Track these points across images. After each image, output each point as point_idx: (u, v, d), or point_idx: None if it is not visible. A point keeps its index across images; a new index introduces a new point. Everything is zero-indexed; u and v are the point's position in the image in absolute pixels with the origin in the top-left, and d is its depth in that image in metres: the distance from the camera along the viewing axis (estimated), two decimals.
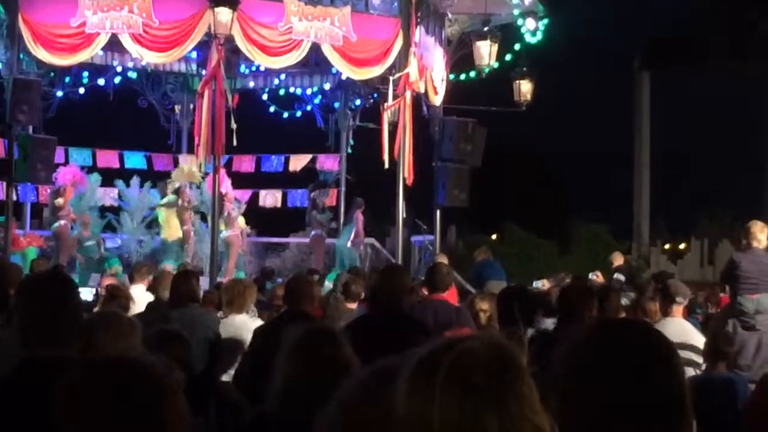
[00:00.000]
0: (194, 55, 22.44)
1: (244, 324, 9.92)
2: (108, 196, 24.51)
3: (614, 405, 2.44)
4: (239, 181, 25.00)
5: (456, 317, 9.33)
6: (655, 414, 2.45)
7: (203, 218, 23.29)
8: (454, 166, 22.28)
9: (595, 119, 49.95)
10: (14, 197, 20.47)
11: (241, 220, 23.34)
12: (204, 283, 15.53)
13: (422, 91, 21.73)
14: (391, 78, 21.16)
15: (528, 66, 21.66)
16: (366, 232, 25.03)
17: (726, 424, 7.64)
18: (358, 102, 26.04)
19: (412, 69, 20.91)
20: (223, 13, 18.29)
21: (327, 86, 25.32)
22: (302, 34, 19.86)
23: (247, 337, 9.20)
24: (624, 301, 12.20)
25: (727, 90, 44.24)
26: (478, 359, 1.69)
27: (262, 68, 23.14)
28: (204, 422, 8.82)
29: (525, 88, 21.45)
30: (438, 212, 23.03)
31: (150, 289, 13.22)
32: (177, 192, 22.58)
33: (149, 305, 11.41)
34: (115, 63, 23.18)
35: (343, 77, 22.74)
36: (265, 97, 26.12)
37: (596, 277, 19.52)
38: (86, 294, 14.17)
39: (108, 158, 25.79)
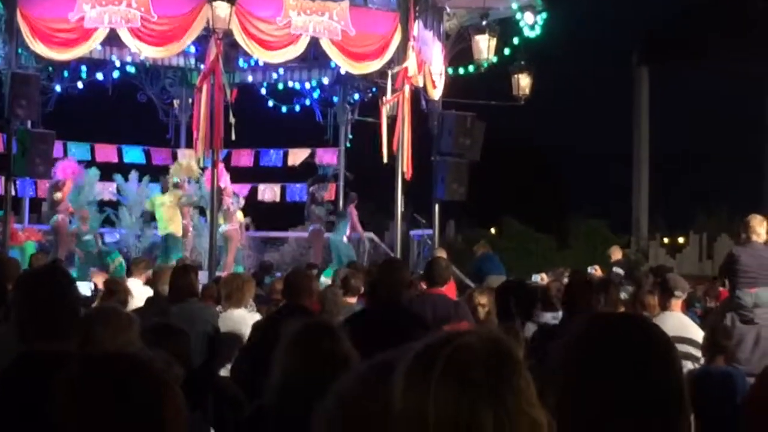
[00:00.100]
0: (193, 49, 22.41)
1: (243, 318, 9.92)
2: (106, 191, 24.50)
3: (612, 399, 2.44)
4: (238, 175, 24.99)
5: (455, 311, 9.34)
6: (654, 408, 2.45)
7: (202, 213, 23.27)
8: (452, 161, 22.27)
9: (593, 114, 49.97)
10: (13, 192, 20.47)
11: (240, 215, 23.32)
12: (203, 277, 15.53)
13: (421, 85, 21.71)
14: (389, 72, 21.16)
15: (526, 60, 21.66)
16: (363, 226, 25.02)
17: (724, 417, 7.63)
18: (356, 96, 26.06)
19: (411, 63, 20.90)
20: (222, 8, 18.28)
21: (325, 80, 25.33)
22: (301, 28, 19.85)
23: (246, 331, 9.19)
24: (623, 295, 12.20)
25: (726, 85, 44.22)
26: (474, 353, 1.69)
27: (260, 63, 23.12)
28: (202, 417, 8.84)
29: (524, 82, 21.45)
30: (437, 206, 23.02)
31: (149, 283, 13.23)
32: (177, 186, 22.53)
33: (148, 300, 11.42)
34: (113, 57, 23.17)
35: (342, 71, 22.71)
36: (263, 91, 26.14)
37: (595, 271, 19.52)
38: (84, 289, 14.16)
39: (106, 153, 25.78)
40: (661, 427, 2.46)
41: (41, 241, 22.05)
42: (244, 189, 25.42)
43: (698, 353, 8.84)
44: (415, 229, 24.67)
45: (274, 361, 4.60)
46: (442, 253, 16.59)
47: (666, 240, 42.68)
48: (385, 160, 21.03)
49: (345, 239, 23.31)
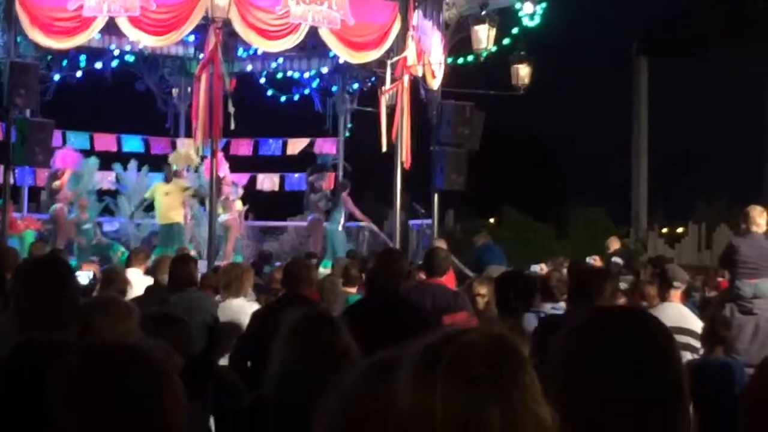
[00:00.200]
0: (192, 38, 22.41)
1: (242, 308, 9.92)
2: (106, 180, 24.49)
3: (612, 393, 2.44)
4: (237, 164, 24.97)
5: (454, 301, 9.34)
6: (653, 401, 2.46)
7: (201, 202, 23.26)
8: (451, 150, 22.25)
9: (593, 104, 49.89)
10: (11, 180, 20.46)
11: (239, 204, 23.31)
12: (202, 266, 15.52)
13: (420, 74, 21.71)
14: (388, 62, 21.17)
15: (526, 50, 21.62)
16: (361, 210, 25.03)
17: (723, 408, 7.63)
18: (355, 86, 26.02)
19: (410, 53, 20.90)
20: None
21: (325, 70, 25.29)
22: (300, 17, 19.84)
23: (245, 320, 9.19)
24: (622, 285, 12.20)
25: (726, 85, 44.19)
26: (479, 351, 1.69)
27: (259, 52, 23.10)
28: (202, 405, 8.84)
29: (523, 72, 21.40)
30: (436, 196, 23.01)
31: (148, 273, 13.23)
32: (176, 175, 22.47)
33: (148, 288, 11.42)
34: (112, 46, 23.13)
35: (341, 61, 22.70)
36: (262, 80, 26.11)
37: (594, 261, 19.51)
38: (83, 278, 14.17)
39: (105, 142, 25.76)
40: (660, 419, 2.46)
41: (40, 230, 22.04)
42: (243, 178, 25.41)
43: (697, 344, 8.84)
44: (414, 218, 24.65)
45: (274, 351, 4.61)
46: (441, 244, 16.59)
47: (665, 230, 42.69)
48: (384, 149, 21.04)
49: (340, 228, 23.27)
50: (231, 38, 20.85)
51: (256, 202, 25.63)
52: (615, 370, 2.46)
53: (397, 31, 20.79)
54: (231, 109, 19.72)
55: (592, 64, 48.31)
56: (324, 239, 23.59)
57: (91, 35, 20.17)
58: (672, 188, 45.40)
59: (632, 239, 36.29)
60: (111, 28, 20.21)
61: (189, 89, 23.64)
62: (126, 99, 26.88)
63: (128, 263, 14.09)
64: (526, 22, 21.52)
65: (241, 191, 23.62)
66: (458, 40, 22.25)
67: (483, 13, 21.15)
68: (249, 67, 25.12)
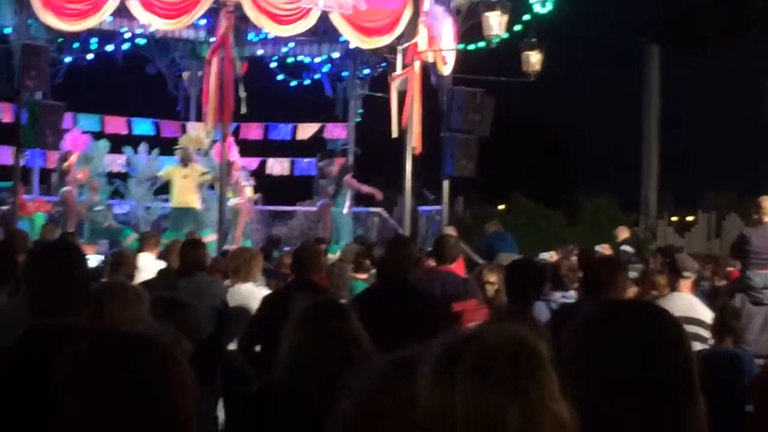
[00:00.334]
0: (203, 22, 22.40)
1: (251, 293, 9.92)
2: (116, 163, 24.49)
3: (623, 385, 2.44)
4: (247, 148, 24.96)
5: (464, 289, 9.34)
6: (663, 393, 2.45)
7: (211, 186, 23.25)
8: (462, 137, 22.24)
9: (604, 91, 49.78)
10: (22, 163, 20.49)
11: (250, 189, 23.29)
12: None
13: (431, 60, 21.68)
14: (399, 47, 21.12)
15: (537, 37, 21.56)
16: (371, 201, 24.95)
17: (732, 398, 7.65)
18: (366, 71, 25.98)
19: (421, 38, 20.86)
20: None
21: (335, 55, 25.24)
22: (311, 2, 19.81)
23: (254, 305, 9.19)
24: (632, 274, 12.18)
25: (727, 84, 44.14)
26: (498, 350, 1.69)
27: (270, 36, 23.08)
28: (211, 390, 8.86)
29: (534, 58, 21.33)
30: (446, 182, 23.01)
31: (161, 257, 13.22)
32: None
33: (160, 272, 11.43)
34: (123, 29, 23.08)
35: (352, 46, 22.67)
36: (273, 65, 26.08)
37: (603, 249, 19.49)
38: (93, 261, 14.18)
39: (116, 124, 25.77)
40: (671, 411, 2.46)
41: (50, 212, 22.04)
42: (253, 162, 25.41)
43: (707, 334, 8.83)
44: (423, 204, 24.64)
45: (283, 338, 4.61)
46: (450, 231, 16.58)
47: (674, 218, 42.67)
48: (394, 135, 21.03)
49: (345, 211, 23.23)
50: (242, 22, 20.81)
51: (265, 186, 25.62)
52: (625, 363, 2.46)
53: (409, 16, 20.75)
54: (242, 94, 19.72)
55: (604, 50, 48.19)
56: (333, 224, 23.58)
57: (102, 18, 20.17)
58: (682, 176, 45.32)
59: (642, 227, 36.26)
60: (122, 11, 20.21)
61: (200, 73, 23.61)
62: (137, 82, 26.86)
63: (140, 247, 14.07)
64: (538, 8, 21.47)
65: (252, 180, 23.57)
66: (469, 26, 22.20)
67: None
68: (260, 52, 25.08)
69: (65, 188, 21.71)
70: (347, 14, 20.24)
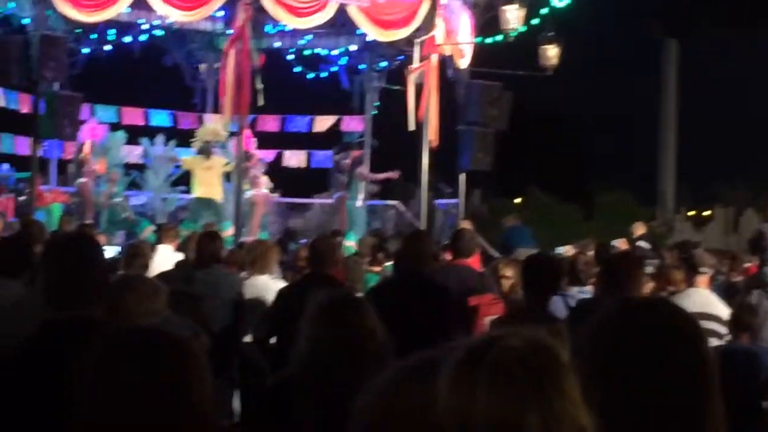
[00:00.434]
0: (221, 14, 22.40)
1: (267, 285, 9.94)
2: (133, 154, 24.53)
3: (639, 386, 2.44)
4: (263, 140, 24.98)
5: (480, 283, 9.34)
6: (680, 395, 2.45)
7: (227, 178, 23.27)
8: (479, 130, 22.25)
9: (621, 84, 49.71)
10: (40, 153, 20.55)
11: (266, 181, 23.29)
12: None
13: (448, 54, 21.66)
14: (417, 40, 21.11)
15: (555, 30, 21.51)
16: (388, 194, 24.92)
17: (748, 395, 7.63)
18: (383, 64, 25.95)
19: (439, 32, 20.85)
20: None
21: (353, 47, 25.23)
22: None
23: (270, 298, 9.20)
24: (648, 269, 12.15)
25: (753, 60, 43.95)
26: (520, 355, 1.69)
27: (288, 28, 23.07)
28: (228, 383, 8.88)
29: (551, 52, 21.28)
30: (462, 176, 23.01)
31: (179, 249, 13.22)
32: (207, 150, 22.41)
33: (177, 264, 11.45)
34: (141, 21, 23.15)
35: (369, 39, 22.66)
36: (290, 57, 26.07)
37: (619, 244, 19.43)
38: (110, 252, 14.22)
39: (133, 116, 25.82)
40: (688, 412, 2.45)
41: (67, 203, 22.09)
42: (269, 154, 25.43)
43: (723, 330, 8.81)
44: (440, 198, 24.63)
45: (300, 332, 4.61)
46: (466, 225, 16.57)
47: (691, 213, 42.58)
48: (411, 128, 21.02)
49: (358, 203, 23.20)
50: (260, 14, 20.81)
51: (282, 178, 25.64)
52: (641, 364, 2.46)
53: (426, 9, 20.73)
54: (259, 86, 19.73)
55: (621, 43, 48.10)
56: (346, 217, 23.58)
57: (120, 9, 20.20)
58: (699, 171, 45.22)
59: (659, 222, 36.19)
60: (140, 3, 20.23)
61: (217, 65, 23.62)
62: (154, 73, 26.88)
63: (158, 239, 14.07)
64: (556, 2, 21.43)
65: (266, 181, 23.55)
66: (487, 19, 22.17)
67: None
68: (277, 44, 25.08)
69: (81, 179, 21.75)
70: (365, 7, 20.24)
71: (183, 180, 23.88)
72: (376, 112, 26.39)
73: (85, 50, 23.80)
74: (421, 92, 20.91)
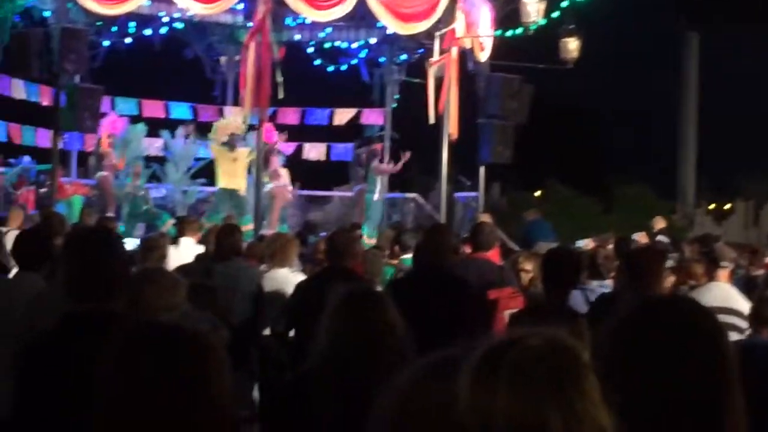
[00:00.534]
0: (241, 6, 22.42)
1: (287, 278, 9.93)
2: (153, 146, 24.58)
3: (658, 381, 2.44)
4: (283, 133, 25.02)
5: (499, 276, 9.33)
6: (701, 392, 2.45)
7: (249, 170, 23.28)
8: (498, 123, 22.22)
9: (641, 76, 49.57)
10: (60, 145, 20.60)
11: (285, 173, 23.31)
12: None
13: (468, 47, 21.63)
14: (437, 33, 21.08)
15: (575, 23, 21.44)
16: (408, 187, 24.86)
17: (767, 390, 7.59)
18: (403, 57, 25.92)
19: (459, 25, 20.82)
20: None
21: (373, 40, 25.22)
22: None
23: (290, 291, 9.19)
24: (669, 263, 12.11)
25: None
26: (541, 355, 1.68)
27: (308, 21, 23.07)
28: (248, 376, 8.90)
29: (572, 45, 21.22)
30: (482, 169, 22.99)
31: (201, 242, 13.21)
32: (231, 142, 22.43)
33: (198, 257, 11.46)
34: (161, 13, 23.19)
35: (389, 32, 22.64)
36: (310, 50, 26.07)
37: (640, 237, 19.38)
38: (131, 245, 14.23)
39: (154, 108, 25.88)
40: (708, 407, 2.45)
41: (88, 196, 22.16)
42: (289, 147, 25.45)
43: (744, 324, 8.77)
44: (459, 191, 24.62)
45: (320, 327, 4.61)
46: (486, 218, 16.55)
47: (712, 206, 42.44)
48: (431, 121, 21.00)
49: (375, 197, 23.17)
50: (280, 7, 20.81)
51: (302, 171, 25.66)
52: (661, 358, 2.47)
53: (446, 2, 20.69)
54: (279, 78, 19.73)
55: (641, 36, 47.96)
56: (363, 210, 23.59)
57: (140, 2, 20.25)
58: (719, 165, 45.05)
59: (679, 215, 36.08)
60: None
61: (237, 57, 23.64)
62: (174, 66, 26.93)
63: (181, 232, 14.02)
64: None
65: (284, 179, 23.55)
66: (507, 12, 22.12)
67: None
68: (297, 37, 25.08)
69: (101, 173, 21.81)
70: (384, 0, 20.22)
71: (203, 172, 23.93)
72: (396, 105, 26.38)
73: (106, 43, 23.86)
74: (441, 85, 20.89)
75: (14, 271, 7.98)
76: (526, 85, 22.48)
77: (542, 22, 20.95)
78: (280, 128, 24.53)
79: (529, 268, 9.22)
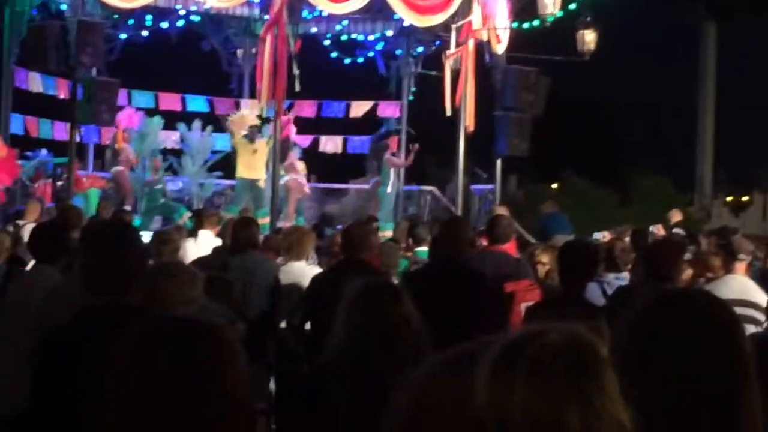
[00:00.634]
0: None
1: (303, 271, 9.93)
2: (170, 139, 24.62)
3: (675, 374, 2.44)
4: (300, 126, 25.04)
5: (516, 269, 9.32)
6: (717, 385, 2.44)
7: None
8: (515, 115, 22.18)
9: (659, 68, 49.42)
10: (77, 139, 20.65)
11: (302, 166, 23.32)
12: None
13: (485, 39, 21.59)
14: (453, 26, 21.05)
15: (592, 15, 21.39)
16: (424, 179, 24.83)
17: None
18: (420, 49, 25.89)
19: (475, 17, 20.79)
20: None
21: (389, 33, 25.19)
22: None
23: (306, 284, 9.18)
24: (686, 256, 12.08)
25: None
26: (559, 350, 1.67)
27: (324, 14, 23.07)
28: (265, 369, 8.90)
29: (589, 37, 21.17)
30: (498, 161, 22.97)
31: (219, 235, 13.22)
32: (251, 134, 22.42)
33: (215, 249, 11.47)
34: (178, 6, 23.21)
35: (406, 24, 22.63)
36: (327, 42, 26.06)
37: (657, 230, 19.35)
38: (147, 237, 14.24)
39: (170, 101, 25.90)
40: (725, 402, 2.44)
41: (104, 189, 22.21)
42: (306, 140, 25.46)
43: (761, 317, 8.75)
44: (476, 183, 24.60)
45: (336, 320, 4.61)
46: (502, 211, 16.53)
47: (729, 198, 42.31)
48: (448, 113, 20.98)
49: (388, 189, 23.13)
50: (296, 0, 20.84)
51: (318, 163, 25.67)
52: (678, 351, 2.47)
53: None
54: (296, 71, 19.74)
55: (659, 27, 47.78)
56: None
57: None
58: (737, 157, 44.88)
59: (696, 207, 35.98)
60: None
61: (254, 50, 23.66)
62: (191, 59, 26.96)
63: (199, 225, 14.02)
64: None
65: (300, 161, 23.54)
66: (524, 4, 22.07)
67: None
68: (313, 29, 25.08)
69: (117, 168, 21.87)
70: None
71: (219, 165, 23.95)
72: (413, 97, 26.34)
73: (123, 36, 23.87)
74: (457, 77, 20.88)
75: (31, 264, 8.00)
76: (542, 78, 22.43)
77: (559, 14, 20.90)
78: (297, 121, 24.55)
79: (545, 260, 9.20)
